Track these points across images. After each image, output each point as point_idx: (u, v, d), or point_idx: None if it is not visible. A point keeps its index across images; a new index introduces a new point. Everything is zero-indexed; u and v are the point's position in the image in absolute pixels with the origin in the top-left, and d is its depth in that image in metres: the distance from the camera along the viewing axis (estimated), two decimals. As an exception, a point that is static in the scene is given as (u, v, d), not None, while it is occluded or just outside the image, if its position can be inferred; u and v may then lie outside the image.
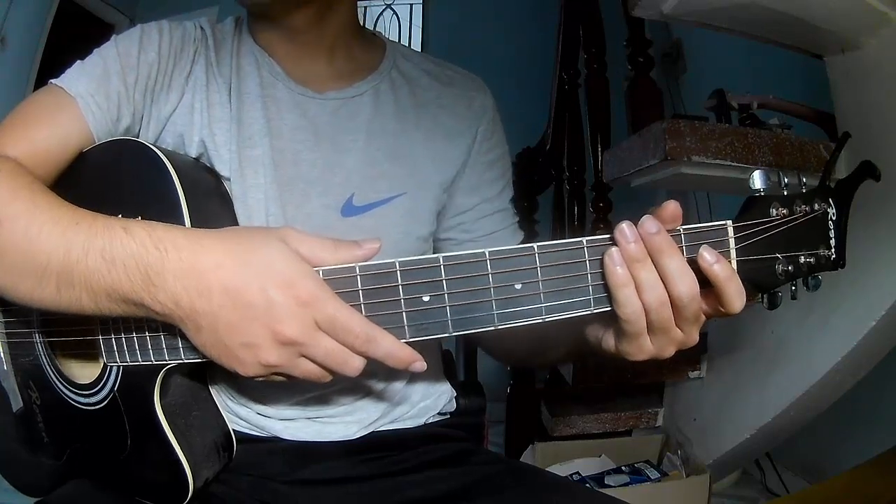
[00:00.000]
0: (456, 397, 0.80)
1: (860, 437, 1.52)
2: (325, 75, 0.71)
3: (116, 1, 3.35)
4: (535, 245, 0.46)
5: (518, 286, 0.46)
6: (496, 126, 0.77)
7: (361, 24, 0.77)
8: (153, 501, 0.61)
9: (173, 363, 0.55)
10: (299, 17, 0.68)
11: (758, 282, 0.48)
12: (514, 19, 3.27)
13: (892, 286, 1.07)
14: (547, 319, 0.47)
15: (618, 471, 1.57)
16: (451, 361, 0.89)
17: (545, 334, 0.62)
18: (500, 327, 0.47)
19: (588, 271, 0.46)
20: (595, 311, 0.47)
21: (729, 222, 0.47)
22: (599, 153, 1.74)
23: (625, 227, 0.45)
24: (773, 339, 1.37)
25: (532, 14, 3.13)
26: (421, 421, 0.75)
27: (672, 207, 0.46)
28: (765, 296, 0.49)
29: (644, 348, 0.49)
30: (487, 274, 0.46)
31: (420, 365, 0.48)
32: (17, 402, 0.68)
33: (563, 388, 1.77)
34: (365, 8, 3.58)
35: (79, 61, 0.65)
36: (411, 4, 3.65)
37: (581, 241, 0.46)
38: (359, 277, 0.47)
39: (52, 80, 0.64)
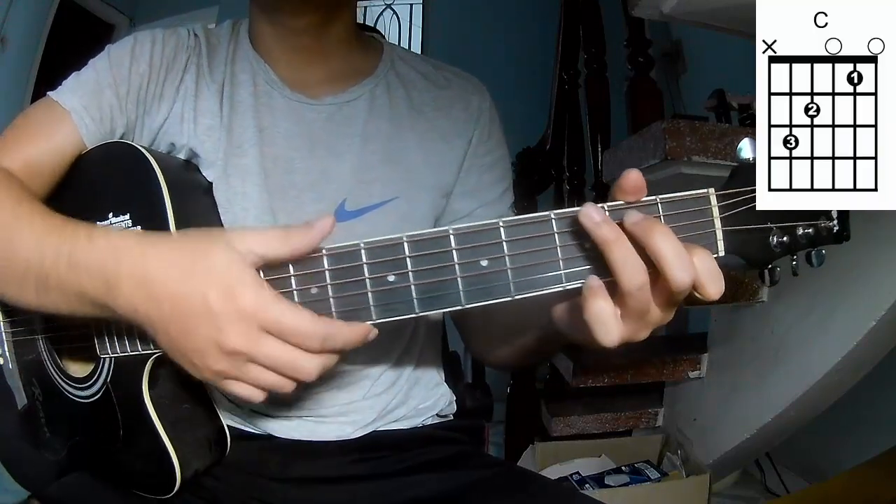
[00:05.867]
0: (460, 399, 0.80)
1: (860, 437, 1.52)
2: (322, 80, 0.70)
3: (116, 1, 3.35)
4: (500, 220, 0.44)
5: (484, 262, 0.44)
6: (494, 127, 0.75)
7: (361, 23, 0.77)
8: (143, 492, 0.62)
9: (158, 352, 0.55)
10: (305, 20, 0.67)
11: (750, 255, 0.44)
12: (514, 19, 3.27)
13: (892, 286, 1.07)
14: (517, 297, 0.44)
15: (618, 471, 1.57)
16: (457, 363, 0.88)
17: (517, 317, 0.60)
18: (467, 306, 0.45)
19: (557, 244, 0.43)
20: (568, 287, 0.44)
21: (711, 190, 0.43)
22: (599, 153, 1.74)
23: (591, 211, 0.41)
24: (773, 339, 1.36)
25: (532, 14, 3.13)
26: (418, 422, 0.74)
27: (633, 177, 0.42)
28: (764, 271, 0.45)
29: (639, 333, 0.44)
30: (451, 250, 0.44)
31: (374, 332, 0.47)
32: (21, 400, 0.69)
33: (563, 388, 1.77)
34: (365, 8, 3.58)
35: (74, 73, 0.66)
36: (411, 4, 3.65)
37: (549, 214, 0.44)
38: (325, 258, 0.46)
39: (49, 93, 0.65)
